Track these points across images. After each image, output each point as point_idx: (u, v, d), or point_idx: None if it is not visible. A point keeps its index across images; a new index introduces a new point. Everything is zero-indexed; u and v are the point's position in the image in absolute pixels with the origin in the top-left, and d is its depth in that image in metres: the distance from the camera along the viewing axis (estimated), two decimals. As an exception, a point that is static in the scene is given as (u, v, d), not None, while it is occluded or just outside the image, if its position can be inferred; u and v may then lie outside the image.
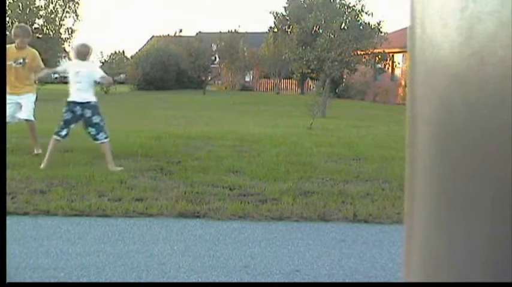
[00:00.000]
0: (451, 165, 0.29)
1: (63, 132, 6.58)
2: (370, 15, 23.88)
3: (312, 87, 33.35)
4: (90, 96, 6.58)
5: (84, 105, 6.53)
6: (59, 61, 28.24)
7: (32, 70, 7.41)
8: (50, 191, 5.50)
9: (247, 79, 40.95)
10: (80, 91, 6.53)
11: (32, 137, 7.40)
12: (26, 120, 7.33)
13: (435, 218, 0.31)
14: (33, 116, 7.40)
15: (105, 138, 6.64)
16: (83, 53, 6.73)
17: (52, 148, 6.57)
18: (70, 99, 6.57)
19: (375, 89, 29.75)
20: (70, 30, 27.38)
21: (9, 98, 6.61)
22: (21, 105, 7.26)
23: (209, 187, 5.86)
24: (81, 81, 6.54)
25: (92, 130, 6.59)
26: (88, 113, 6.54)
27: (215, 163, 7.14)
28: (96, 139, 6.63)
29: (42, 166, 6.44)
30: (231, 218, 4.87)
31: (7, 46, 6.96)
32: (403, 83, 27.30)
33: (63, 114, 6.61)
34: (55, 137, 6.60)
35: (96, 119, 6.57)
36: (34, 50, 7.49)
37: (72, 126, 6.64)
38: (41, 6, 26.47)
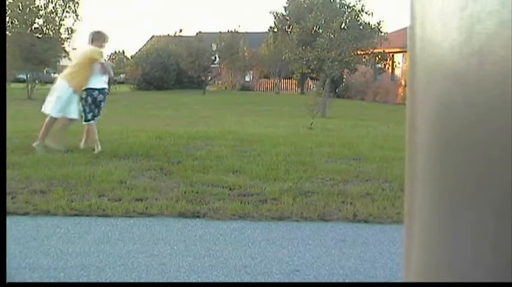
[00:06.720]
0: (452, 165, 0.29)
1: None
2: (370, 15, 23.97)
3: (312, 87, 33.34)
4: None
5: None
6: (58, 61, 28.19)
7: None
8: (50, 191, 5.49)
9: (247, 79, 40.94)
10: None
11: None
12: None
13: (435, 218, 0.31)
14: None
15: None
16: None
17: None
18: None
19: (375, 89, 29.74)
20: (70, 30, 27.33)
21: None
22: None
23: (209, 186, 5.86)
24: None
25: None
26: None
27: (215, 162, 7.14)
28: None
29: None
30: (231, 218, 4.87)
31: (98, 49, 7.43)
32: (403, 83, 27.30)
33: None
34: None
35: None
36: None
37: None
38: (41, 6, 26.43)
